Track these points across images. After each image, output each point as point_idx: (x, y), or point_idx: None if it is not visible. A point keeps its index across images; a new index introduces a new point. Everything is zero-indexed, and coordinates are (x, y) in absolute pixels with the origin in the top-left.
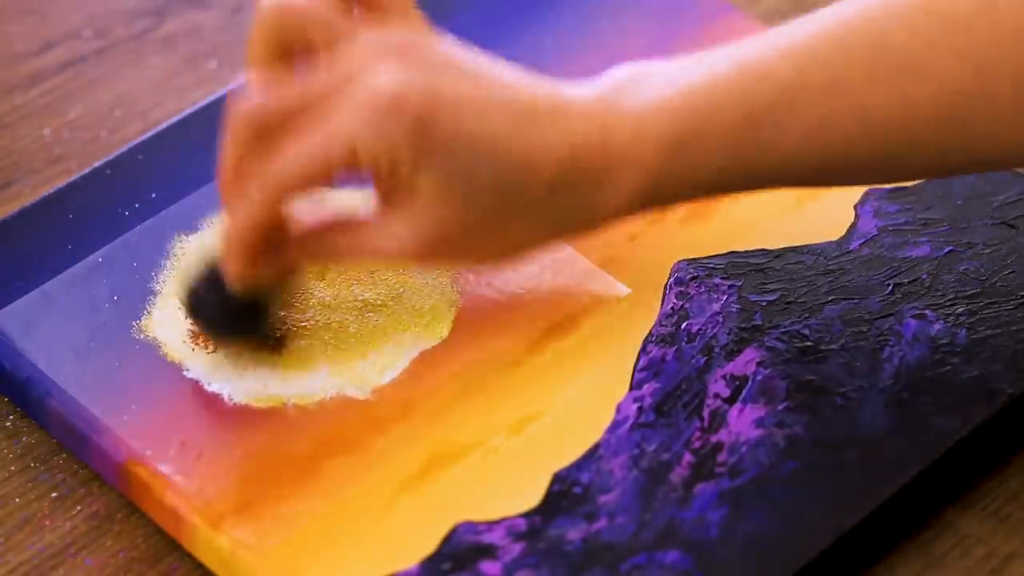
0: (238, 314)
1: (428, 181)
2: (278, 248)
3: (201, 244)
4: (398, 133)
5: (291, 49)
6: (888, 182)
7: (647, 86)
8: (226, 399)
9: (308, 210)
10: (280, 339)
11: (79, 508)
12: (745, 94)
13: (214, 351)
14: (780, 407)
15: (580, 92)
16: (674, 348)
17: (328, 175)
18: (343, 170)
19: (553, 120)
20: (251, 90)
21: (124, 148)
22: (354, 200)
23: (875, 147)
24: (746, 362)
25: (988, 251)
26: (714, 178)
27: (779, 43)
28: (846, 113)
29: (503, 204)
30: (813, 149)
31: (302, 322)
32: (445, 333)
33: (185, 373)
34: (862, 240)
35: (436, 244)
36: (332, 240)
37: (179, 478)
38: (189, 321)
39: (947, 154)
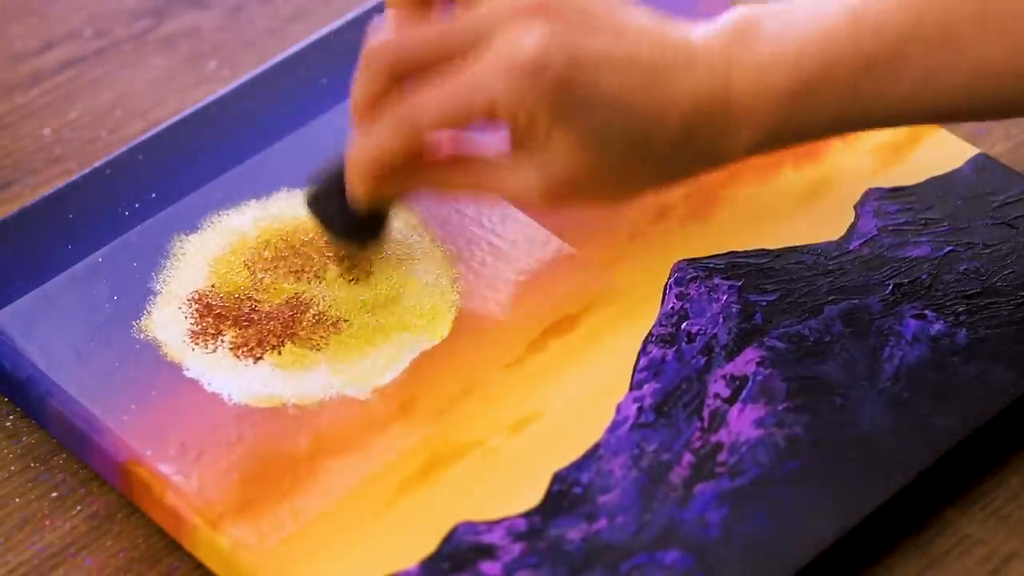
0: (354, 221)
1: (563, 135)
2: (403, 173)
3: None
4: (538, 94)
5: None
6: (995, 120)
7: (766, 34)
8: (226, 399)
9: (439, 137)
10: (380, 241)
11: (79, 508)
12: (859, 46)
13: (213, 351)
14: (780, 407)
15: (704, 39)
16: (674, 348)
17: (465, 123)
18: (480, 120)
19: (679, 75)
20: (390, 27)
21: (124, 148)
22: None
23: (985, 95)
24: (746, 362)
25: (988, 251)
26: (828, 125)
27: None
28: (958, 63)
29: (632, 154)
30: (925, 98)
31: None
32: (445, 333)
33: (185, 373)
34: (862, 240)
35: (563, 189)
36: (460, 174)
37: (179, 478)
38: (307, 214)
39: None
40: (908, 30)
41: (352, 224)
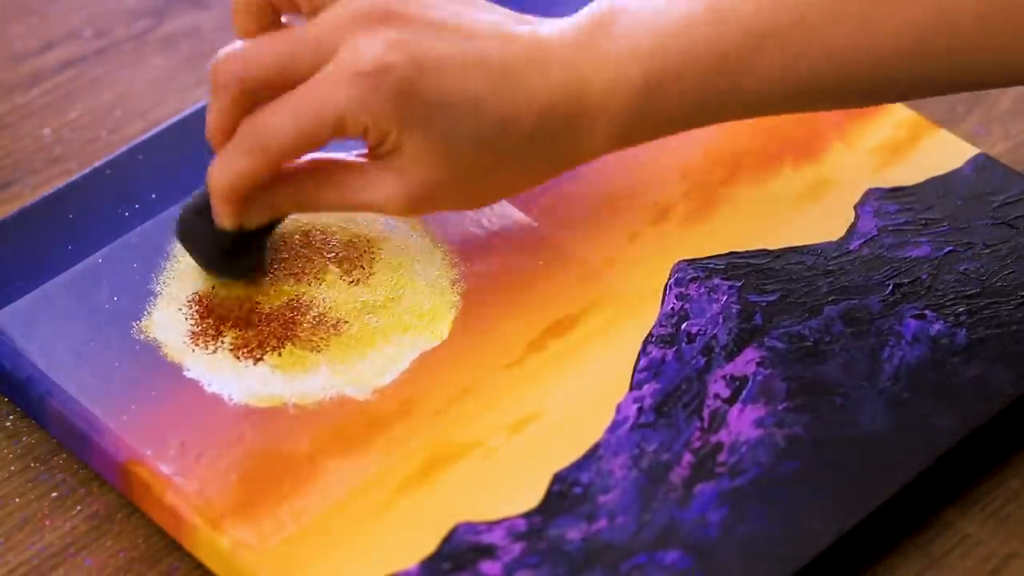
0: (224, 247)
1: (412, 142)
2: (266, 193)
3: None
4: (381, 100)
5: (277, 12)
6: (858, 107)
7: (623, 28)
8: (226, 399)
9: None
10: (260, 269)
11: (79, 508)
12: (717, 39)
13: (214, 352)
14: (780, 407)
15: (558, 35)
16: (674, 348)
17: (316, 143)
18: (331, 137)
19: (532, 73)
20: (237, 47)
21: (124, 148)
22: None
23: (843, 80)
24: (746, 362)
25: (988, 251)
26: (686, 117)
27: None
28: (814, 50)
29: (485, 157)
30: (783, 85)
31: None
32: (445, 333)
33: (185, 373)
34: (862, 240)
35: (425, 196)
36: (320, 189)
37: (179, 478)
38: (178, 244)
39: (912, 83)
40: (763, 23)
41: (224, 253)
